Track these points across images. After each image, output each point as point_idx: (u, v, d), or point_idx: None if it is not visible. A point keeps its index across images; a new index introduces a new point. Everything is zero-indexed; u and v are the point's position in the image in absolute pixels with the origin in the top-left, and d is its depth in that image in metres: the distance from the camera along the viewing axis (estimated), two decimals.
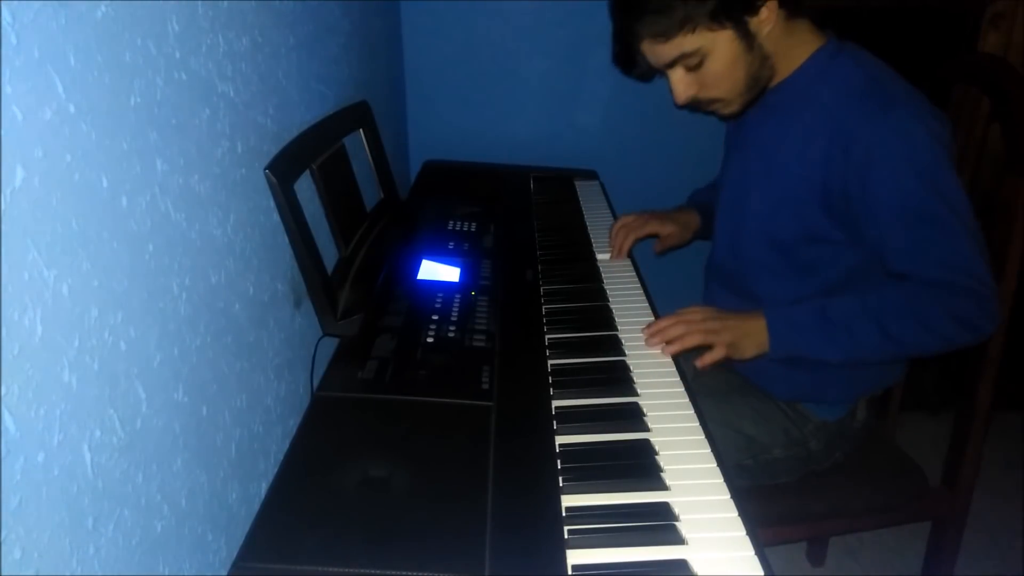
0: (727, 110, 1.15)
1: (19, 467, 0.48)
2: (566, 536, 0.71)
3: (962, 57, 1.71)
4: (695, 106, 1.15)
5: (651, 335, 1.07)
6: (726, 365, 1.10)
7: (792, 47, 1.10)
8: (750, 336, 1.06)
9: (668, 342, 1.05)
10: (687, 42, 1.04)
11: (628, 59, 1.13)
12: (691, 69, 1.08)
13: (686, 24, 1.02)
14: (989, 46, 1.90)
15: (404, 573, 0.64)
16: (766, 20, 1.05)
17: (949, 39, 1.95)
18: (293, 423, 0.99)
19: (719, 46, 1.05)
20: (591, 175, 1.90)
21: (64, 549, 0.53)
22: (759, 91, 1.12)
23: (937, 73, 1.34)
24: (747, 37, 1.05)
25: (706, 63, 1.06)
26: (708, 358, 1.05)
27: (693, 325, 1.06)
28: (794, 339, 1.06)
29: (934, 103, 1.06)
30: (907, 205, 1.00)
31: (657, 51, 1.07)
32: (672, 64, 1.08)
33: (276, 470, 0.77)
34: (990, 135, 1.32)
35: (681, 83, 1.10)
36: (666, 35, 1.04)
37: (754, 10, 1.03)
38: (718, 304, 1.18)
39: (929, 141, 0.99)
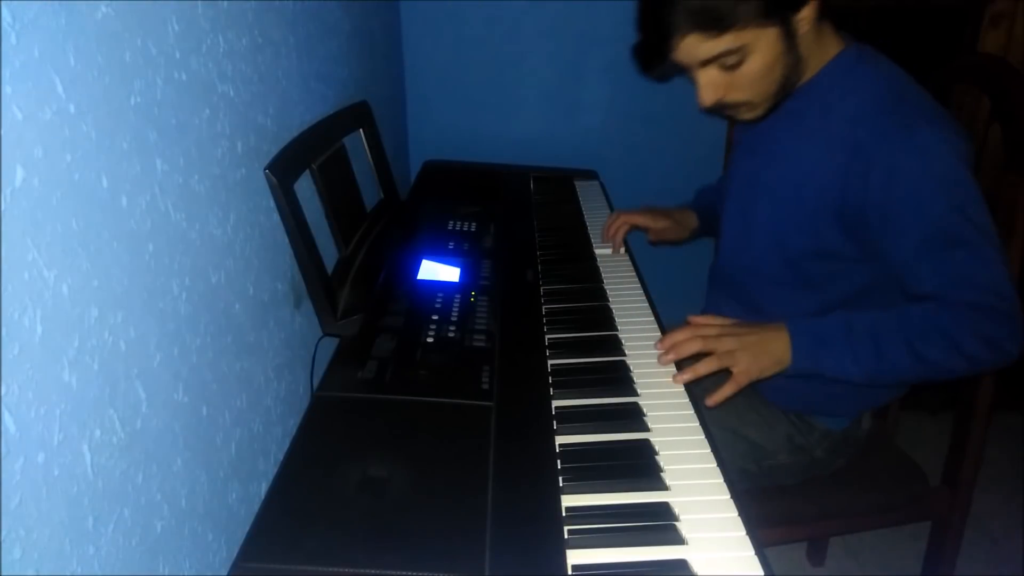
0: (751, 114, 1.08)
1: (19, 467, 0.48)
2: (566, 536, 0.71)
3: (962, 57, 1.70)
4: (718, 109, 1.07)
5: (664, 351, 1.01)
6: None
7: (816, 50, 1.05)
8: (769, 353, 0.97)
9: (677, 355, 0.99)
10: (734, 39, 0.96)
11: (658, 55, 1.02)
12: (727, 68, 1.00)
13: (738, 20, 0.95)
14: (989, 46, 1.90)
15: (404, 573, 0.64)
16: (805, 19, 0.99)
17: (949, 39, 1.96)
18: (293, 423, 0.99)
19: (763, 44, 0.98)
20: (591, 175, 1.90)
21: (64, 549, 0.53)
22: (785, 95, 1.06)
23: (937, 73, 1.34)
24: (790, 36, 0.99)
25: (745, 62, 0.99)
26: (719, 395, 0.97)
27: (708, 342, 0.98)
28: (818, 354, 0.97)
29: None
30: (934, 228, 0.95)
31: (697, 47, 0.98)
32: (707, 63, 1.00)
33: (276, 470, 0.77)
34: (990, 135, 1.32)
35: (711, 84, 1.02)
36: (717, 28, 0.96)
37: (799, 7, 0.98)
38: (721, 311, 1.10)
39: (954, 161, 0.95)
